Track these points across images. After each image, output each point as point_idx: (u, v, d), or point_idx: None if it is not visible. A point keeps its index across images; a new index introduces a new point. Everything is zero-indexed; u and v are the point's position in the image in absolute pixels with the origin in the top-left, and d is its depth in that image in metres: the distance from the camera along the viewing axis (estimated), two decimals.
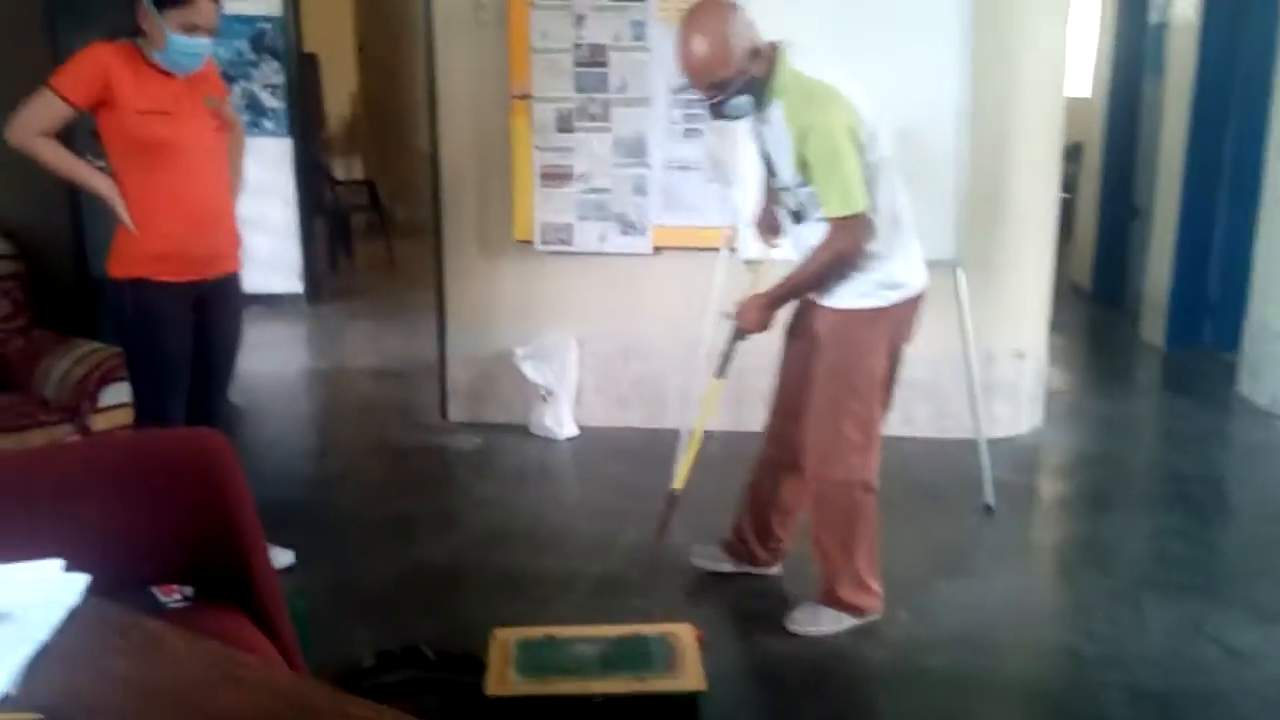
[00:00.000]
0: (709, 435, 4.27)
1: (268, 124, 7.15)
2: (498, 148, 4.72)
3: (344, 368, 6.02)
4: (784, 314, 3.18)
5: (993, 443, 4.43)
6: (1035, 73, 4.59)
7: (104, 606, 1.56)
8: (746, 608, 3.30)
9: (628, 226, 4.68)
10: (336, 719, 1.31)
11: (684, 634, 2.66)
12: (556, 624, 2.84)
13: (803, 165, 2.84)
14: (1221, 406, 5.33)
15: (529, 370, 4.73)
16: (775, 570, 3.45)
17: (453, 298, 4.91)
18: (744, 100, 2.86)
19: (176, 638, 1.49)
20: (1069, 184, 8.55)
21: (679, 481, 3.32)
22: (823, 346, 3.04)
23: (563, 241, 4.72)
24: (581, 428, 4.81)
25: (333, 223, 8.79)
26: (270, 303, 7.18)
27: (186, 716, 1.31)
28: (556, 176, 4.67)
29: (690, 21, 2.82)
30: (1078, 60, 8.18)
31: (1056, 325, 6.05)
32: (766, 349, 3.29)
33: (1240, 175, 5.97)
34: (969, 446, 4.16)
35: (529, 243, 4.74)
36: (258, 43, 7.08)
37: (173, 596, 2.87)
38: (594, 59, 4.56)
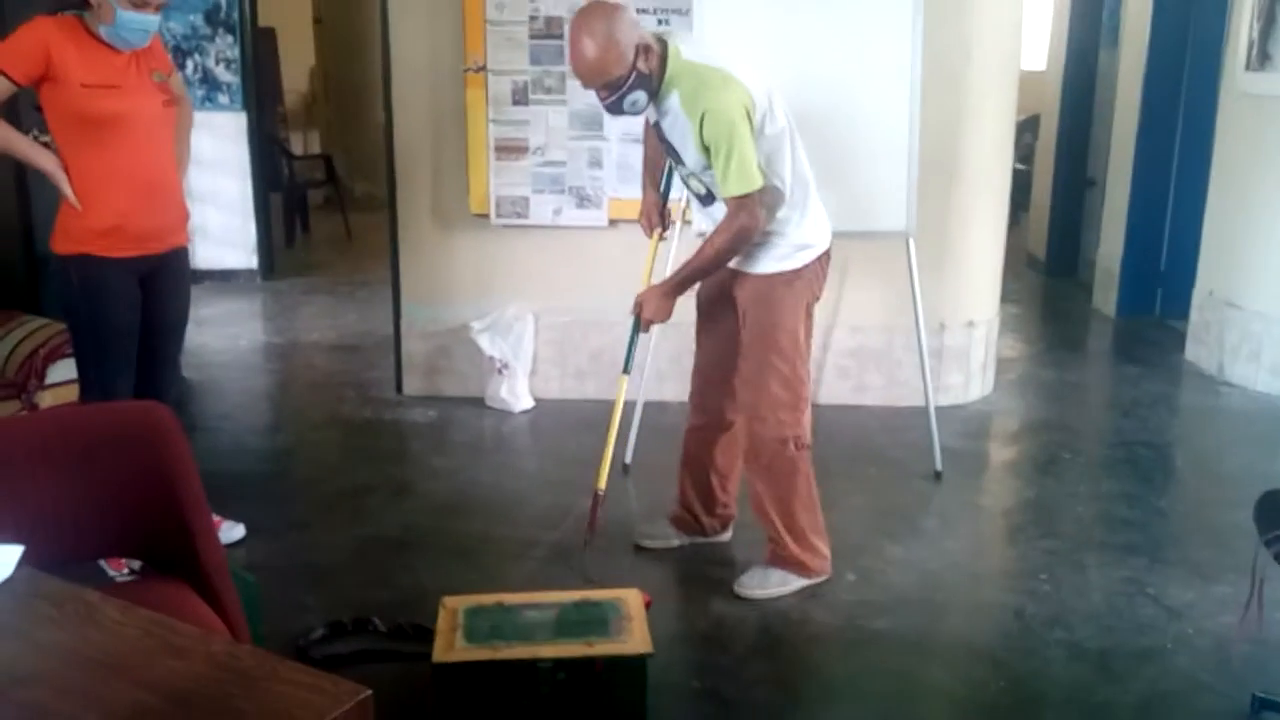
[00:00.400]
0: (662, 406, 4.32)
1: (222, 98, 7.08)
2: (453, 121, 4.70)
3: (299, 343, 5.99)
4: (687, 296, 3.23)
5: (944, 410, 4.50)
6: (989, 44, 4.62)
7: (38, 578, 1.56)
8: (696, 573, 3.34)
9: (583, 199, 4.68)
10: (271, 684, 1.33)
11: (632, 599, 2.69)
12: (509, 592, 2.86)
13: (704, 149, 2.91)
14: (1170, 373, 5.42)
15: (485, 343, 4.73)
16: (725, 537, 3.49)
17: (408, 272, 4.90)
18: (639, 95, 2.92)
19: (112, 608, 1.49)
20: (1026, 156, 8.63)
21: (601, 481, 3.34)
22: (745, 312, 3.11)
23: (518, 214, 4.72)
24: (538, 400, 4.83)
25: (289, 198, 8.72)
26: (225, 278, 7.14)
27: (120, 684, 1.32)
28: (512, 149, 4.66)
29: (578, 25, 2.86)
30: (1034, 33, 8.25)
31: (1011, 295, 6.12)
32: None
33: (1191, 147, 6.05)
34: (920, 414, 4.21)
35: (485, 216, 4.73)
36: (212, 16, 6.99)
37: (121, 571, 2.88)
38: (550, 31, 4.54)
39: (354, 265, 7.75)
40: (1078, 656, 2.88)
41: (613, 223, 4.69)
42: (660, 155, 3.23)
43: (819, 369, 4.79)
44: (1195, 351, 5.49)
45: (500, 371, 4.75)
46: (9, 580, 1.53)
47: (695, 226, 3.82)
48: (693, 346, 3.39)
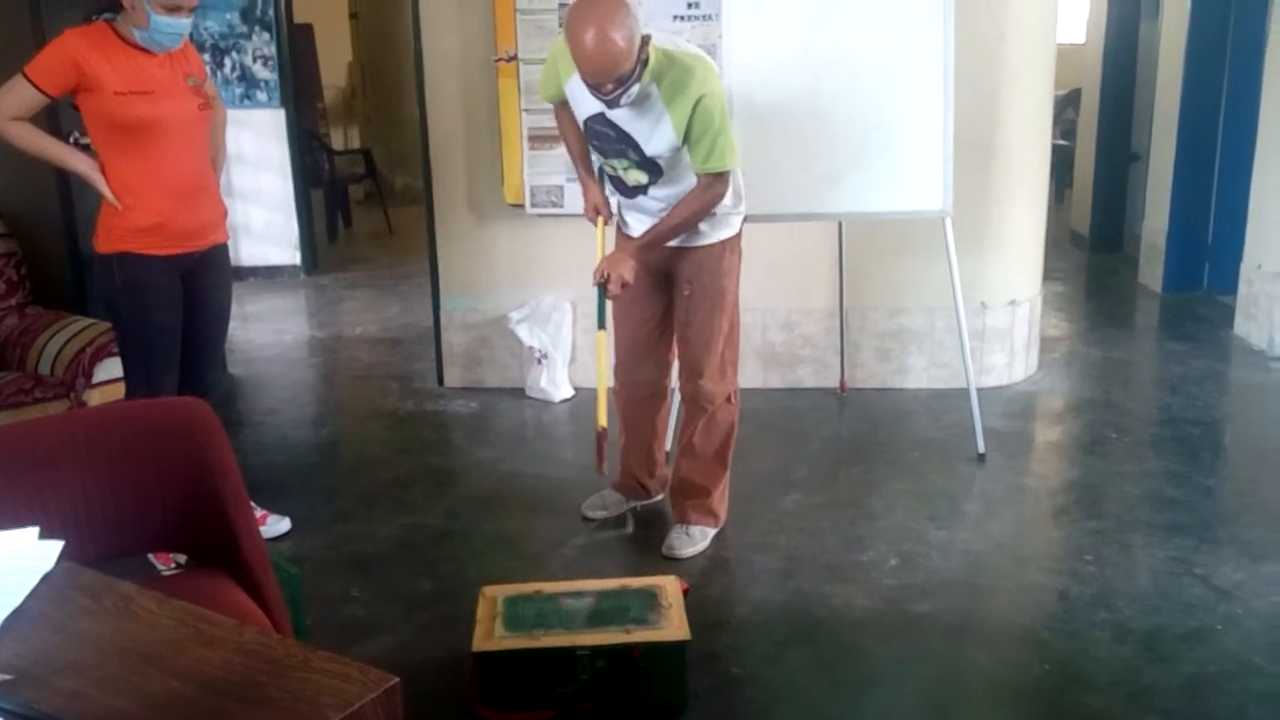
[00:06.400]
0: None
1: (260, 95, 7.13)
2: (485, 111, 4.71)
3: (342, 337, 6.04)
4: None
5: (987, 391, 4.45)
6: (1024, 18, 4.55)
7: (77, 572, 1.59)
8: (734, 561, 3.34)
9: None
10: (301, 672, 1.34)
11: (669, 586, 2.69)
12: (549, 581, 2.88)
13: (683, 134, 2.96)
14: (1218, 349, 5.32)
15: (524, 333, 4.75)
16: (661, 496, 3.64)
17: (446, 263, 4.92)
18: (636, 87, 2.90)
19: (147, 600, 1.52)
20: (1068, 131, 8.50)
21: (601, 420, 3.23)
22: (690, 281, 3.24)
23: (553, 204, 4.72)
24: (577, 389, 4.83)
25: (330, 193, 8.79)
26: (269, 274, 7.22)
27: (154, 673, 1.35)
28: (545, 139, 4.65)
29: (598, 19, 2.74)
30: (1073, 5, 8.11)
31: (1055, 273, 6.03)
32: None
33: (1236, 118, 5.93)
34: (963, 395, 4.17)
35: (520, 206, 4.74)
36: (248, 14, 7.05)
37: (168, 565, 2.94)
38: None
39: (395, 258, 7.81)
40: (1123, 638, 2.85)
41: None
42: (586, 146, 3.24)
43: (858, 351, 4.77)
44: (1244, 326, 5.39)
45: (540, 361, 4.77)
46: (49, 574, 1.56)
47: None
48: None
